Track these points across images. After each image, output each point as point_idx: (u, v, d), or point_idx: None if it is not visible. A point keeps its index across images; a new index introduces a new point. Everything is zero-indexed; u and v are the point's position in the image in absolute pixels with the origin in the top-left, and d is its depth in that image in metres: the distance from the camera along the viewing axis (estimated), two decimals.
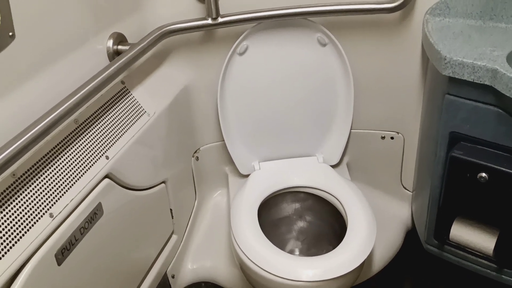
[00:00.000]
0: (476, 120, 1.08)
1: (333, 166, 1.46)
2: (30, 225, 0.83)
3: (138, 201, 1.15)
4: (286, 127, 1.44)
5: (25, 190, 0.85)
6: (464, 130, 1.11)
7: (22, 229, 0.81)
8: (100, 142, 1.04)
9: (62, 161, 0.93)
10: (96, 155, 1.01)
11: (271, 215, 1.42)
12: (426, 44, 1.18)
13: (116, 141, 1.07)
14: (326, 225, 1.42)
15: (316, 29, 1.32)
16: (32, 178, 0.87)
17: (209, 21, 1.25)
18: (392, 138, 1.48)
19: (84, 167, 0.97)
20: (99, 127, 1.05)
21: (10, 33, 0.83)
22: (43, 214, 0.86)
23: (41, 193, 0.87)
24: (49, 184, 0.89)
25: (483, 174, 1.06)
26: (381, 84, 1.40)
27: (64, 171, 0.93)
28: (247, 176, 1.44)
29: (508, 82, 0.95)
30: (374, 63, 1.37)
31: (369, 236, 1.16)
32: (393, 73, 1.38)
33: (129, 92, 1.18)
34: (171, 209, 1.34)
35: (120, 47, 1.15)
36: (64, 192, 0.91)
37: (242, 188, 1.37)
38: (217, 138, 1.47)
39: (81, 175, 0.96)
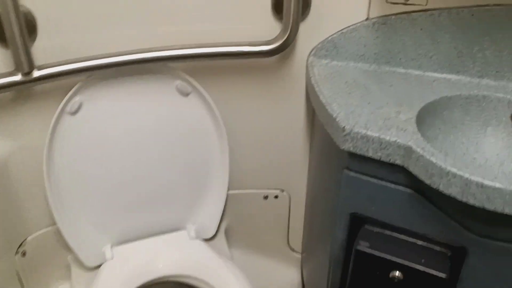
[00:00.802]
0: (384, 201, 0.83)
1: (209, 238, 1.15)
2: None
3: None
4: (146, 196, 1.10)
5: None
6: (368, 212, 0.86)
7: None
8: None
9: None
10: None
11: None
12: (314, 99, 0.92)
13: None
14: None
15: (175, 76, 0.99)
16: None
17: (19, 77, 0.86)
18: (276, 197, 1.22)
19: None
20: None
21: None
22: None
23: None
24: None
25: (397, 273, 0.82)
26: (261, 138, 1.13)
27: None
28: (98, 267, 1.07)
29: (428, 167, 0.71)
30: (252, 114, 1.09)
31: None
32: (275, 125, 1.11)
33: None
34: None
35: None
36: None
37: None
38: (51, 221, 1.08)
39: None
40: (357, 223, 0.90)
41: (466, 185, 0.68)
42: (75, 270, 1.14)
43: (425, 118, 0.87)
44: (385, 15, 0.94)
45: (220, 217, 1.18)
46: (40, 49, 0.88)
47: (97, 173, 1.03)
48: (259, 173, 1.19)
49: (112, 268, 1.07)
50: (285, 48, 0.94)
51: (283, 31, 0.93)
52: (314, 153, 1.11)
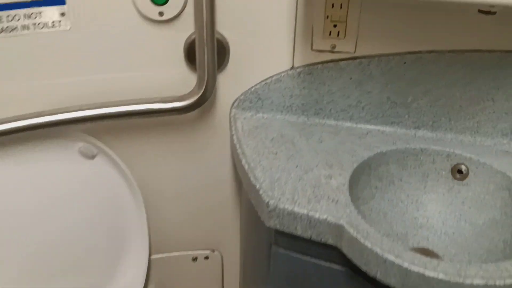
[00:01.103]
0: (318, 280, 0.73)
1: None
2: None
3: None
4: (60, 266, 0.97)
5: None
6: None
7: None
8: None
9: None
10: None
11: None
12: (237, 162, 0.80)
13: None
14: None
15: (76, 138, 0.85)
16: None
17: None
18: (206, 257, 1.10)
19: None
20: None
21: None
22: None
23: None
24: None
25: None
26: (186, 196, 1.01)
27: None
28: None
29: (363, 251, 0.61)
30: (173, 172, 0.97)
31: None
32: (199, 182, 1.00)
33: None
34: None
35: None
36: None
37: None
38: None
39: None
40: None
41: (406, 275, 0.59)
42: None
43: (359, 177, 0.78)
44: (311, 64, 0.84)
45: (143, 284, 1.05)
46: None
47: (3, 244, 0.88)
48: (186, 234, 1.07)
49: None
50: (201, 103, 0.82)
51: (198, 85, 0.81)
52: (244, 213, 0.99)
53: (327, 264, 0.72)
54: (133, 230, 1.00)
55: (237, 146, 0.82)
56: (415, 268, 0.58)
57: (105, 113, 0.83)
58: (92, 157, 0.90)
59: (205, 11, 0.74)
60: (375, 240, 0.62)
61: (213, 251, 1.10)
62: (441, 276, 0.57)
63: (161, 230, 1.05)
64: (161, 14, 0.79)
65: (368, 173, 0.81)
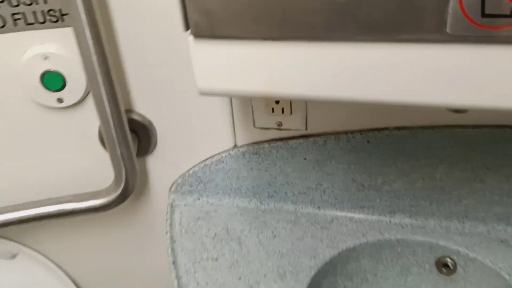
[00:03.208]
0: None
1: None
2: None
3: None
4: None
5: None
6: None
7: None
8: None
9: None
10: None
11: None
12: (172, 271, 0.64)
13: None
14: None
15: None
16: None
17: None
18: None
19: None
20: None
21: None
22: None
23: None
24: None
25: None
26: None
27: None
28: None
29: None
30: (108, 267, 0.81)
31: None
32: (140, 278, 0.83)
33: None
34: None
35: None
36: None
37: None
38: None
39: None
40: None
41: None
42: None
43: (320, 282, 0.62)
44: (256, 142, 0.68)
45: None
46: None
47: None
48: None
49: None
50: (123, 199, 0.68)
51: (116, 179, 0.66)
52: None
53: None
54: None
55: (170, 251, 0.66)
56: None
57: (12, 219, 0.68)
58: (13, 256, 0.76)
59: (104, 94, 0.58)
60: None
61: None
62: None
63: None
64: (60, 100, 0.64)
65: (333, 274, 0.65)
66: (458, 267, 0.66)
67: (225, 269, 0.64)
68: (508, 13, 0.31)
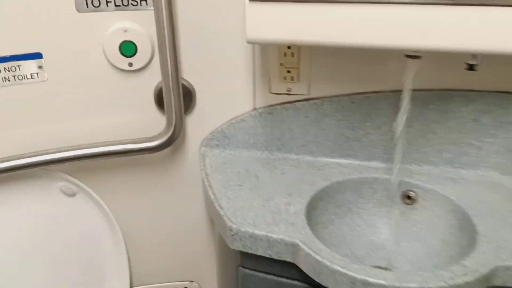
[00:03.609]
0: None
1: None
2: None
3: None
4: None
5: None
6: None
7: None
8: None
9: None
10: None
11: None
12: (206, 198, 0.88)
13: None
14: None
15: (57, 178, 0.92)
16: None
17: None
18: None
19: None
20: None
21: None
22: None
23: None
24: None
25: None
26: (163, 230, 1.08)
27: None
28: None
29: (315, 265, 0.68)
30: (149, 207, 1.05)
31: None
32: (175, 216, 1.07)
33: None
34: None
35: None
36: None
37: None
38: None
39: None
40: None
41: (352, 284, 0.66)
42: None
43: (317, 203, 0.86)
44: (271, 105, 0.94)
45: None
46: None
47: None
48: (165, 266, 1.13)
49: None
50: (170, 143, 0.91)
51: (167, 126, 0.90)
52: (217, 242, 1.06)
53: (289, 281, 0.79)
54: (113, 263, 1.06)
55: (205, 180, 0.90)
56: (359, 276, 0.65)
57: (83, 154, 0.91)
58: (73, 195, 0.97)
59: (169, 62, 0.84)
60: (325, 255, 0.69)
61: (192, 282, 1.16)
62: (382, 282, 0.64)
63: (141, 263, 1.10)
64: (130, 64, 0.88)
65: (326, 200, 0.89)
66: (418, 197, 0.91)
67: (247, 190, 0.87)
68: None
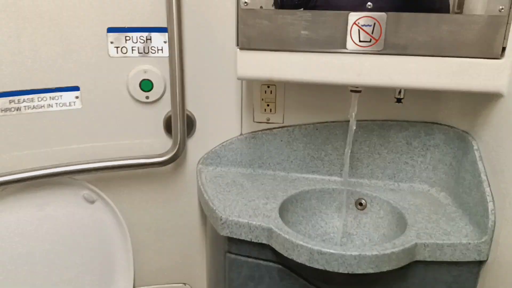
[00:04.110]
0: (260, 278, 1.03)
1: None
2: None
3: None
4: None
5: None
6: None
7: None
8: None
9: None
10: None
11: None
12: (202, 200, 1.13)
13: None
14: None
15: (81, 186, 1.17)
16: None
17: None
18: None
19: None
20: None
21: None
22: None
23: None
24: None
25: None
26: (162, 236, 1.31)
27: None
28: None
29: (284, 242, 0.93)
30: (152, 215, 1.28)
31: None
32: (173, 224, 1.30)
33: None
34: None
35: None
36: None
37: None
38: None
39: None
40: None
41: (311, 254, 0.91)
42: None
43: (288, 207, 1.11)
44: (254, 131, 1.21)
45: None
46: None
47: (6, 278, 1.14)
48: (163, 269, 1.35)
49: None
50: (175, 159, 1.17)
51: (173, 146, 1.17)
52: (208, 244, 1.30)
53: (265, 263, 1.03)
54: (121, 265, 1.28)
55: (201, 187, 1.16)
56: (316, 247, 0.91)
57: (105, 166, 1.16)
58: (93, 202, 1.22)
59: (178, 97, 1.12)
60: (291, 235, 0.95)
61: (185, 284, 1.39)
62: (332, 251, 0.90)
63: (142, 265, 1.33)
64: (147, 97, 1.16)
65: (295, 204, 1.15)
66: (367, 204, 1.18)
67: (234, 194, 1.13)
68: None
